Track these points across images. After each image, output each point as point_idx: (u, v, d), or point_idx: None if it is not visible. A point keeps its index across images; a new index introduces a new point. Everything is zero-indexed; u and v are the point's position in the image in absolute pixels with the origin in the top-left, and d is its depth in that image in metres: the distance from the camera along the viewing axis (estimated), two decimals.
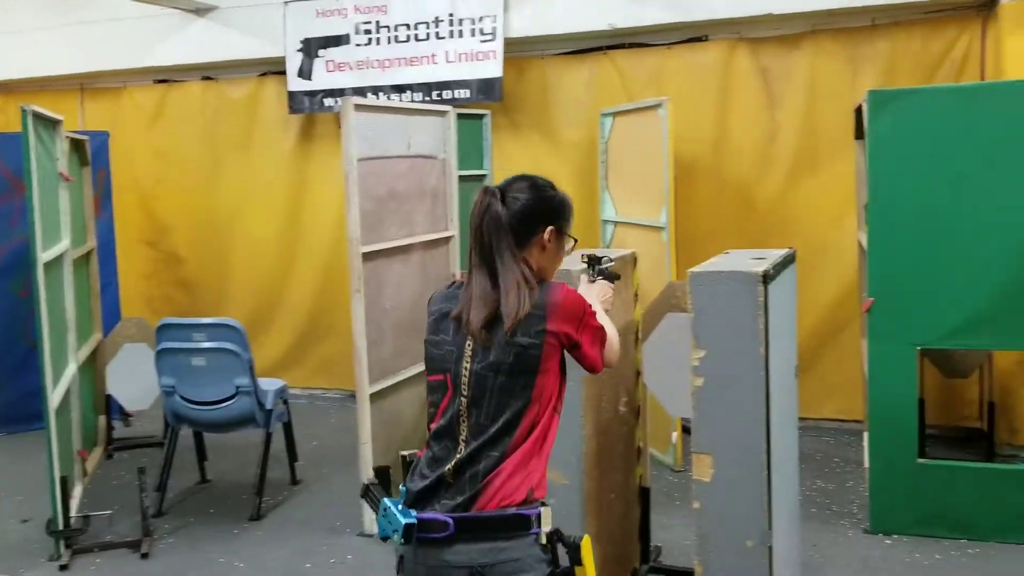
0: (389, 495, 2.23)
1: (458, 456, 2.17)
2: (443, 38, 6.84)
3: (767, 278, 3.04)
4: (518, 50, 6.78)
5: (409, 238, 5.12)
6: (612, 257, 2.90)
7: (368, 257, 4.71)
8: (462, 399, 2.19)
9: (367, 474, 4.71)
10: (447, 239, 5.55)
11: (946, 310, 4.42)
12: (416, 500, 2.20)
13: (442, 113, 5.55)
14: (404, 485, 2.27)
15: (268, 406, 5.10)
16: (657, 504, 4.23)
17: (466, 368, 2.19)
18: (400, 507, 2.18)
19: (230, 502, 5.31)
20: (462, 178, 5.73)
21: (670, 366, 3.94)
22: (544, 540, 2.18)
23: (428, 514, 2.15)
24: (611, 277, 2.76)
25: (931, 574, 4.18)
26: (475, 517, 2.13)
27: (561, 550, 2.21)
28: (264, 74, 7.63)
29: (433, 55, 6.87)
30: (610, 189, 6.35)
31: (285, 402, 5.40)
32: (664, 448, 5.70)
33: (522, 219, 2.25)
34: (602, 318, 2.39)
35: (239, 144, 7.74)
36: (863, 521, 4.68)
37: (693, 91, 6.36)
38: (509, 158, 6.82)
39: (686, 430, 5.11)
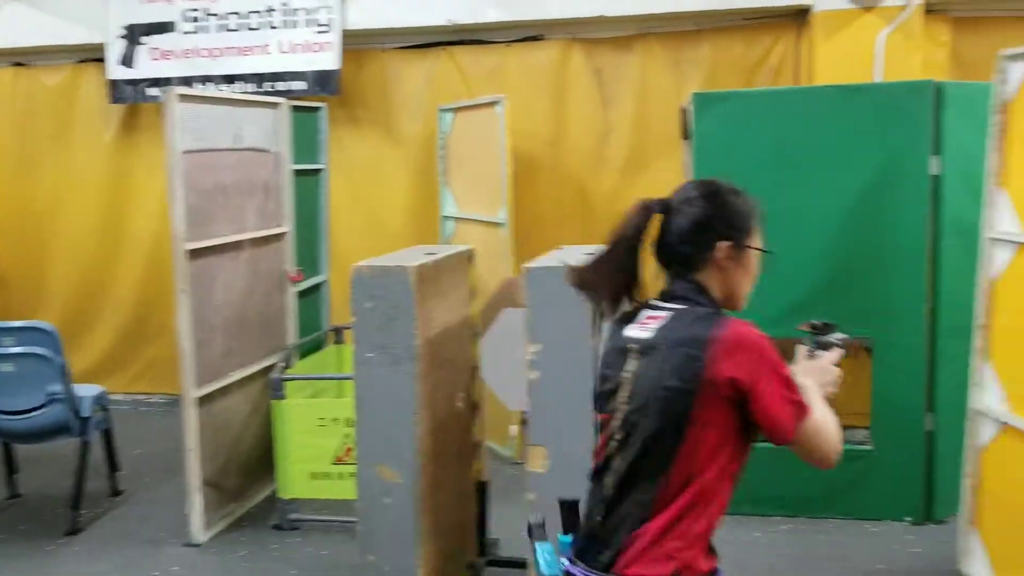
0: (545, 537, 2.08)
1: (605, 505, 1.95)
2: (276, 28, 6.65)
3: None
4: (357, 43, 6.67)
5: (239, 234, 4.94)
6: (841, 331, 2.26)
7: (195, 254, 4.51)
8: (614, 442, 1.96)
9: (194, 483, 4.52)
10: (280, 235, 5.38)
11: (763, 302, 4.64)
12: (576, 549, 2.00)
13: (274, 105, 5.39)
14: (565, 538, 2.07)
15: (85, 414, 4.80)
16: (496, 497, 4.27)
17: (622, 407, 1.95)
18: (549, 555, 2.01)
19: (45, 517, 4.97)
20: (297, 172, 5.58)
21: (507, 361, 3.97)
22: None
23: (575, 569, 1.95)
24: (841, 346, 2.20)
25: (753, 550, 4.41)
26: None
27: None
28: (82, 61, 7.18)
29: (266, 45, 6.67)
30: (450, 185, 6.35)
31: (104, 409, 5.10)
32: (504, 442, 5.76)
33: (684, 236, 1.96)
34: (816, 401, 1.96)
35: (55, 134, 7.26)
36: None
37: (531, 89, 6.45)
38: (347, 152, 6.71)
39: (525, 423, 5.17)
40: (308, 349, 5.56)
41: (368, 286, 3.43)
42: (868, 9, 5.64)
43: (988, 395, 4.03)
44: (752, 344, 1.85)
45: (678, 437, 1.85)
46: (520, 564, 3.68)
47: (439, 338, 3.66)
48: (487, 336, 4.09)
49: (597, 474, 2.00)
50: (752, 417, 1.87)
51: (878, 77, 5.61)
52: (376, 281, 3.42)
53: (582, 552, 1.97)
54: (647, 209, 1.98)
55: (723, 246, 1.98)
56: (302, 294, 5.58)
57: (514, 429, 5.63)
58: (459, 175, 6.26)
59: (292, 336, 5.40)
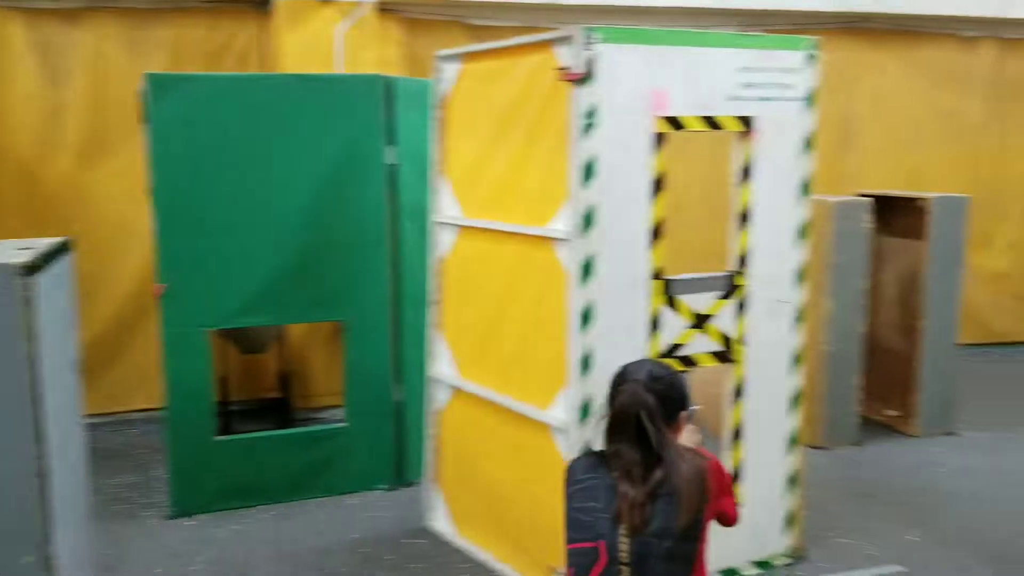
0: None
1: None
2: None
3: (32, 270, 2.77)
4: None
5: None
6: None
7: None
8: (621, 567, 2.24)
9: None
10: None
11: (232, 291, 4.61)
12: None
13: None
14: None
15: None
16: None
17: (623, 534, 2.24)
18: None
19: None
20: None
21: None
22: None
23: None
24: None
25: (230, 545, 4.35)
26: None
27: None
28: None
29: None
30: None
31: None
32: None
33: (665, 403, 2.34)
34: None
35: None
36: (167, 508, 4.67)
37: None
38: None
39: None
40: None
41: None
42: (326, 3, 5.84)
43: (442, 363, 4.45)
44: (723, 474, 2.47)
45: (693, 554, 2.32)
46: None
47: None
48: None
49: None
50: (720, 521, 2.50)
51: (339, 69, 5.85)
52: None
53: None
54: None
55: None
56: None
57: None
58: None
59: None
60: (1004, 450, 5.62)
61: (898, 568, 4.05)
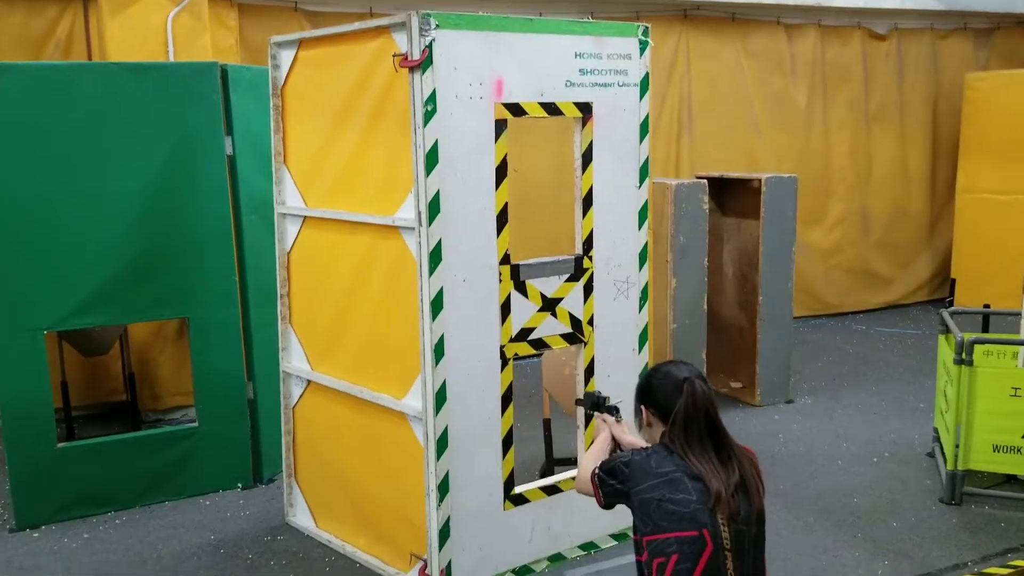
0: None
1: None
2: None
3: None
4: None
5: None
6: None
7: None
8: (726, 552, 2.38)
9: None
10: None
11: (68, 291, 4.40)
12: None
13: None
14: None
15: None
16: None
17: (723, 522, 2.38)
18: None
19: None
20: None
21: None
22: None
23: None
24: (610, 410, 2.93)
25: (81, 554, 4.16)
26: None
27: None
28: None
29: None
30: None
31: None
32: None
33: None
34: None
35: None
36: (11, 520, 4.42)
37: None
38: None
39: None
40: None
41: None
42: None
43: (294, 357, 4.38)
44: None
45: (764, 536, 2.52)
46: None
47: None
48: None
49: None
50: None
51: (172, 58, 5.62)
52: None
53: None
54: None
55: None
56: None
57: None
58: None
59: None
60: (835, 414, 6.01)
61: None
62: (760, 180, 6.04)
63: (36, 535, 4.35)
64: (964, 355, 4.44)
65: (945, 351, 4.87)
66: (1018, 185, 8.02)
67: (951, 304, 8.29)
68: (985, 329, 5.30)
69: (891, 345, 7.71)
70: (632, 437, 2.82)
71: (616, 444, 2.81)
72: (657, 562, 2.37)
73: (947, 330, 4.87)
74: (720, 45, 7.98)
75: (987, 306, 5.59)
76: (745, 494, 2.42)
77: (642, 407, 2.59)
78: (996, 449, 4.47)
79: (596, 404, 2.94)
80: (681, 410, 2.46)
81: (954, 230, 8.60)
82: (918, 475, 4.95)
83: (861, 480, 4.93)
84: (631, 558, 3.99)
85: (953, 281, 8.60)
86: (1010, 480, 4.68)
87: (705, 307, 5.91)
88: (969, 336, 4.49)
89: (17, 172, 4.25)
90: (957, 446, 4.52)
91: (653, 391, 2.55)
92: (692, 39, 7.83)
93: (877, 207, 8.78)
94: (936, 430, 5.14)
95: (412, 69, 3.37)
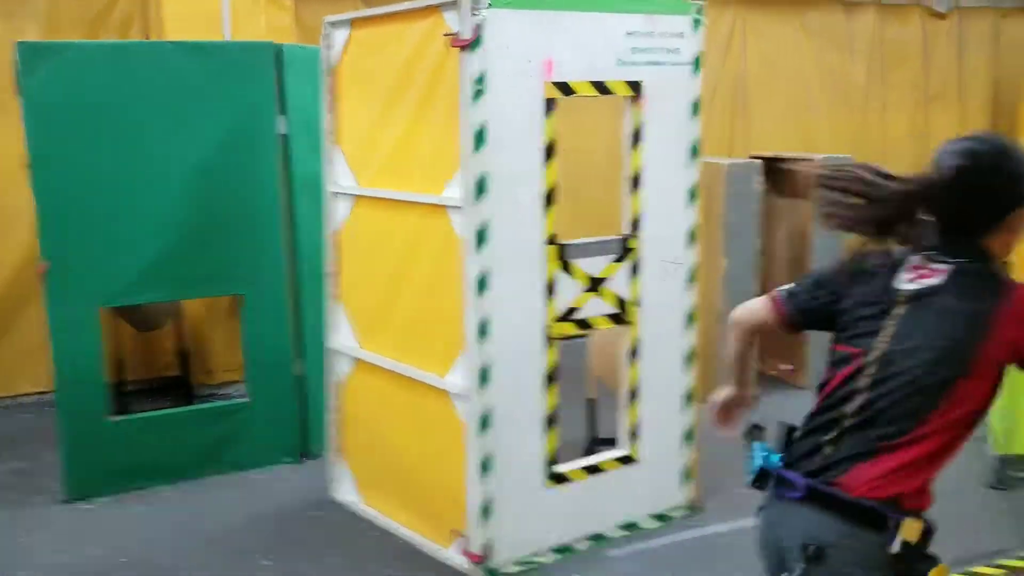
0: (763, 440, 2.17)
1: (840, 430, 2.01)
2: None
3: None
4: None
5: None
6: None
7: None
8: (865, 377, 1.99)
9: None
10: None
11: (124, 267, 4.48)
12: (791, 458, 2.10)
13: None
14: (775, 457, 2.15)
15: None
16: None
17: (881, 346, 1.99)
18: (765, 455, 2.14)
19: None
20: None
21: None
22: (896, 550, 1.94)
23: (789, 473, 2.06)
24: None
25: (131, 526, 4.26)
26: (831, 494, 1.98)
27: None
28: None
29: None
30: None
31: None
32: None
33: (983, 202, 1.97)
34: None
35: None
36: (62, 492, 4.53)
37: None
38: None
39: None
40: None
41: None
42: None
43: (341, 335, 4.43)
44: None
45: (944, 388, 1.92)
46: None
47: None
48: None
49: (831, 400, 2.05)
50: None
51: (228, 37, 5.68)
52: None
53: (796, 463, 2.08)
54: (946, 170, 1.96)
55: (1021, 212, 1.97)
56: None
57: None
58: None
59: None
60: None
61: None
62: (814, 160, 5.93)
63: (87, 507, 4.45)
64: None
65: None
66: None
67: None
68: None
69: None
70: None
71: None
72: None
73: None
74: (777, 23, 7.83)
75: None
76: None
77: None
78: None
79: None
80: None
81: None
82: (967, 460, 4.83)
83: None
84: (673, 538, 3.99)
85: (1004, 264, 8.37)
86: None
87: (756, 289, 5.84)
88: None
89: (73, 149, 4.33)
90: (1005, 430, 4.42)
91: None
92: (748, 17, 7.69)
93: None
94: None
95: (463, 48, 3.36)
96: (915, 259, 2.03)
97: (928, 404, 1.93)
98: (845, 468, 1.99)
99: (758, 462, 2.15)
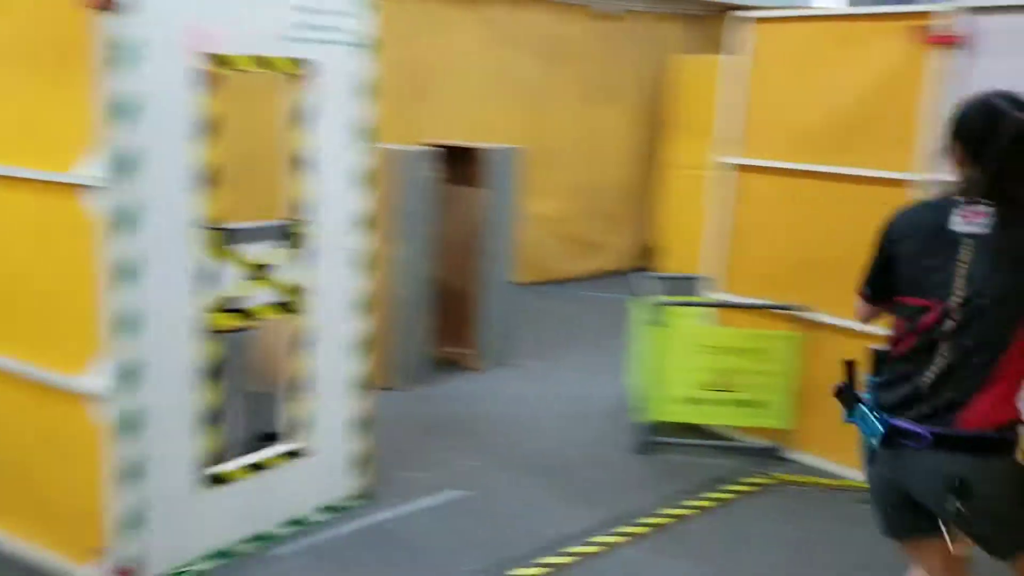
0: (858, 398, 2.40)
1: (938, 373, 2.26)
2: None
3: None
4: None
5: None
6: None
7: None
8: (950, 321, 2.24)
9: None
10: None
11: None
12: (890, 407, 2.33)
13: None
14: (873, 378, 2.42)
15: None
16: None
17: (959, 293, 2.22)
18: (875, 413, 2.33)
19: None
20: None
21: None
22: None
23: (911, 425, 2.27)
24: None
25: None
26: (957, 435, 2.24)
27: None
28: None
29: None
30: None
31: None
32: None
33: None
34: None
35: None
36: None
37: None
38: None
39: None
40: None
41: None
42: None
43: None
44: None
45: (1019, 318, 2.20)
46: None
47: None
48: None
49: (918, 349, 2.29)
50: None
51: None
52: None
53: (902, 409, 2.31)
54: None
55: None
56: None
57: None
58: None
59: None
60: (552, 377, 6.25)
61: (460, 493, 4.33)
62: (486, 150, 6.09)
63: None
64: (654, 317, 4.89)
65: (638, 313, 5.35)
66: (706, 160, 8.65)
67: (644, 272, 8.91)
68: (679, 293, 5.70)
69: (610, 309, 8.13)
70: None
71: None
72: None
73: (639, 294, 5.37)
74: (457, 14, 7.96)
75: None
76: None
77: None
78: (679, 401, 4.90)
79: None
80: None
81: (661, 203, 9.24)
82: (622, 429, 5.25)
83: (570, 436, 5.21)
84: (341, 529, 3.93)
85: (653, 249, 9.24)
86: (693, 429, 5.13)
87: (430, 275, 5.89)
88: (654, 300, 4.91)
89: None
90: (645, 400, 4.94)
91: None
92: (429, 6, 7.74)
93: (599, 180, 9.26)
94: (631, 386, 5.53)
95: (98, 10, 3.00)
96: (966, 204, 2.25)
97: (1009, 336, 2.21)
98: (957, 408, 2.25)
99: (880, 427, 2.31)
